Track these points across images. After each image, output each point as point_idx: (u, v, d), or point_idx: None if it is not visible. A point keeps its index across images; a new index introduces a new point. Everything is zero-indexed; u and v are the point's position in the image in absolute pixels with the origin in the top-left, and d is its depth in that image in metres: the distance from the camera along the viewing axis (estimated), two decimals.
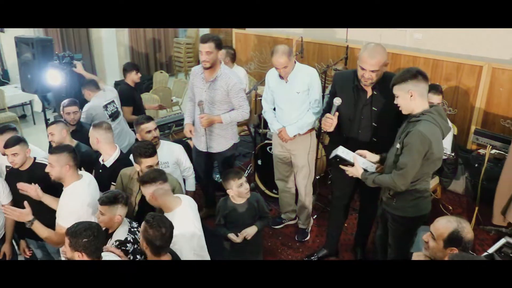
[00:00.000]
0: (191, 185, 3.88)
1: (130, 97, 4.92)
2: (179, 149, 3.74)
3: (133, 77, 4.92)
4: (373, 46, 2.88)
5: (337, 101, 2.99)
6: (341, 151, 2.83)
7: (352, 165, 2.84)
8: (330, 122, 3.02)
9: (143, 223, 2.39)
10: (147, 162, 3.02)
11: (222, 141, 3.92)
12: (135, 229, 2.84)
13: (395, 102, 2.64)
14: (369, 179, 2.76)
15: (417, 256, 2.37)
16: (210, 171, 4.28)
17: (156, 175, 2.78)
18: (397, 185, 2.61)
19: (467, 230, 2.15)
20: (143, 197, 3.04)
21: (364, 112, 3.09)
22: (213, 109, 3.76)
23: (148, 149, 3.05)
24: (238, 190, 3.07)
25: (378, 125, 3.07)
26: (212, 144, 3.89)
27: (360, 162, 2.84)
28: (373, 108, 3.04)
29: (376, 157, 2.92)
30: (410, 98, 2.55)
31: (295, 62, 3.59)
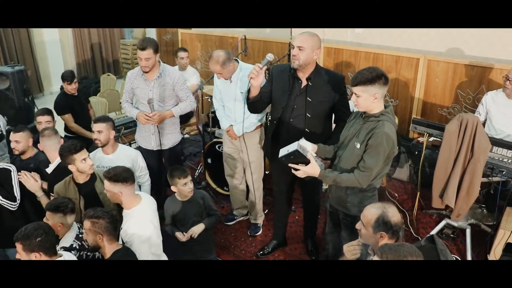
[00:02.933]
0: (146, 192, 3.81)
1: (64, 105, 4.82)
2: (136, 154, 3.71)
3: (67, 87, 4.82)
4: (307, 31, 3.01)
5: (270, 57, 3.02)
6: (299, 147, 2.59)
7: (306, 163, 2.66)
8: (257, 71, 2.97)
9: (86, 222, 2.47)
10: (79, 157, 2.99)
11: (172, 136, 4.03)
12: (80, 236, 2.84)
13: (353, 100, 2.60)
14: (330, 178, 2.65)
15: (350, 244, 2.48)
16: (161, 171, 4.28)
17: (129, 176, 2.83)
18: (362, 184, 2.60)
19: (391, 214, 2.24)
20: (86, 202, 3.06)
21: (297, 101, 3.15)
22: (163, 106, 3.83)
23: (75, 144, 3.02)
24: (181, 189, 3.12)
25: (311, 116, 3.14)
26: (163, 141, 3.95)
27: (315, 160, 2.67)
28: (308, 98, 3.11)
29: (314, 147, 2.85)
30: (373, 100, 2.52)
31: (238, 62, 3.65)
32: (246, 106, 3.60)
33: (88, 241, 2.54)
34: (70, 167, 3.03)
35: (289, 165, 2.69)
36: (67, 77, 4.79)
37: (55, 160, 3.32)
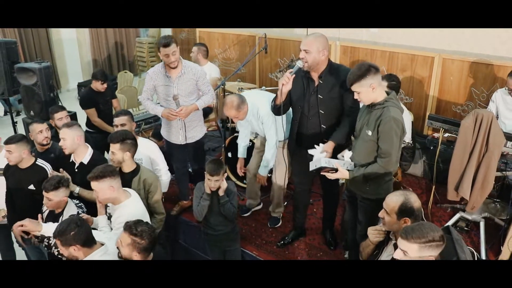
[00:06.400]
0: (164, 186, 3.95)
1: (88, 100, 5.08)
2: (154, 147, 3.85)
3: (97, 86, 5.06)
4: (314, 33, 3.17)
5: (300, 64, 3.14)
6: (324, 162, 2.92)
7: (335, 170, 2.94)
8: (288, 77, 3.10)
9: (126, 236, 2.43)
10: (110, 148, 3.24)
11: (198, 129, 4.17)
12: (79, 204, 3.17)
13: (356, 97, 2.82)
14: (359, 176, 2.91)
15: (374, 228, 2.62)
16: (186, 163, 4.44)
17: (113, 169, 2.95)
18: (388, 169, 2.84)
19: (413, 200, 2.42)
20: None
21: (312, 100, 3.31)
22: (186, 101, 3.90)
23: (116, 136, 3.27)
24: (206, 182, 3.26)
25: (324, 112, 3.29)
26: (191, 134, 4.09)
27: (341, 164, 2.95)
28: (319, 96, 3.26)
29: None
30: (372, 91, 2.74)
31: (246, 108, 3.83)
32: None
33: (122, 253, 2.45)
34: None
35: (321, 173, 3.02)
36: (100, 76, 5.01)
37: (82, 151, 3.49)
